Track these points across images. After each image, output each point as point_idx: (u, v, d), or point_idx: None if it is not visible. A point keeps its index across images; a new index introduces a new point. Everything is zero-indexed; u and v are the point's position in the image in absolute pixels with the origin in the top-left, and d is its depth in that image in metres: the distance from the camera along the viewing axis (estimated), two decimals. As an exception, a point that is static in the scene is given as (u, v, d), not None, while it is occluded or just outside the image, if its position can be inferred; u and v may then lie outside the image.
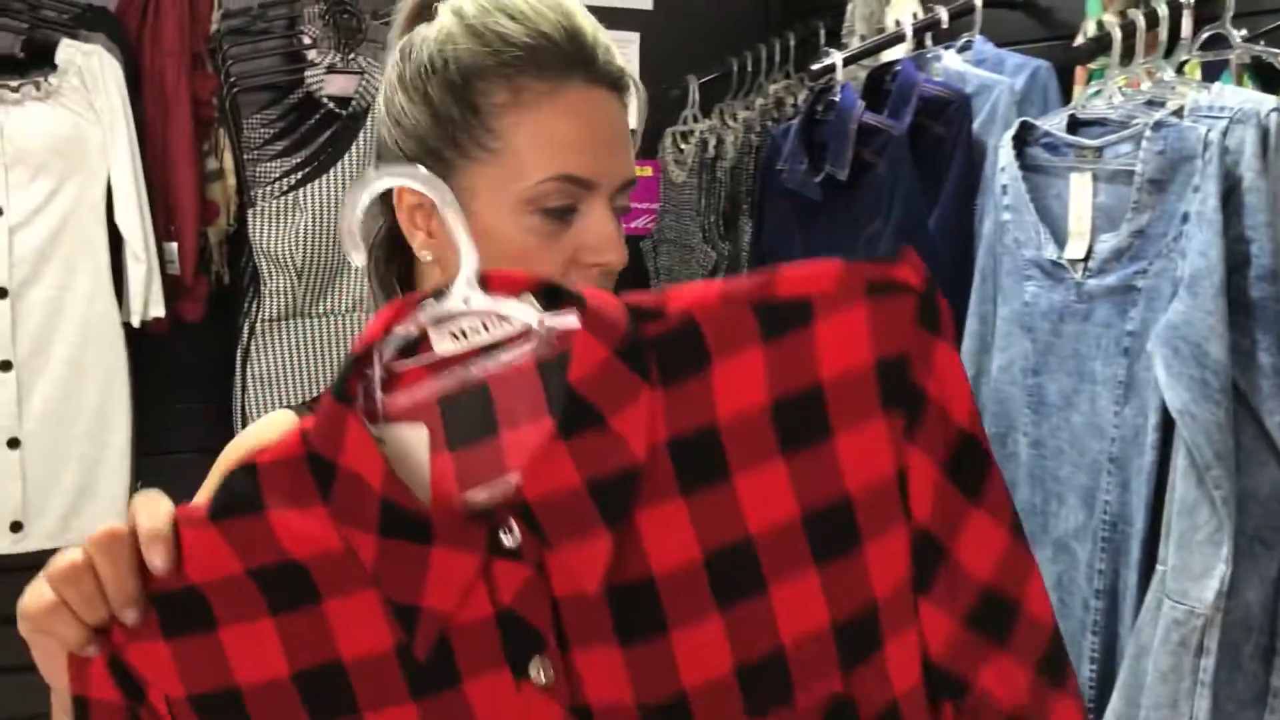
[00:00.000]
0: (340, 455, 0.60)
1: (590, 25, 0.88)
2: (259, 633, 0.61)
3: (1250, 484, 1.38)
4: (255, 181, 2.36)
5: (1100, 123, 1.57)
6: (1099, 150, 1.53)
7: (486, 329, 0.62)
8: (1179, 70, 1.74)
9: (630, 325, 0.61)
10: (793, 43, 2.55)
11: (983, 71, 1.99)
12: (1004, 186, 1.67)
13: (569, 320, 0.62)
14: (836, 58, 2.05)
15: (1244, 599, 1.39)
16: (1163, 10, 1.51)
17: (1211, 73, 1.72)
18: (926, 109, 1.94)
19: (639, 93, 0.92)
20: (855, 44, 2.21)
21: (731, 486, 0.62)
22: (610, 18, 1.02)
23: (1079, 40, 1.70)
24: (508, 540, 0.60)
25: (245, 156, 2.36)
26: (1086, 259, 1.54)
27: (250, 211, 2.35)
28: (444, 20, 0.87)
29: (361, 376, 0.61)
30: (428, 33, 0.88)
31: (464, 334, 0.62)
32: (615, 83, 0.88)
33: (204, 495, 0.63)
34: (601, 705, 0.62)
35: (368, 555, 0.60)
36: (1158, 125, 1.43)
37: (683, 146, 2.62)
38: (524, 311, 0.62)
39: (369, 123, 2.38)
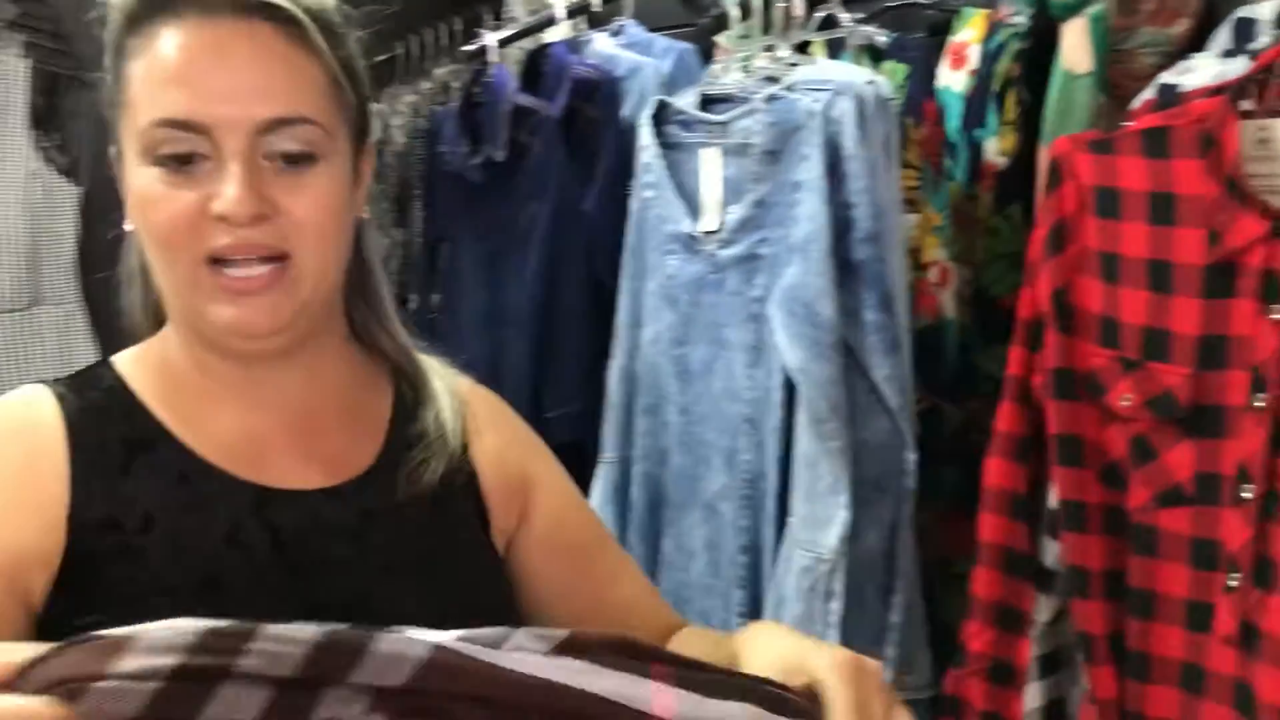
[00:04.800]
0: (1221, 133, 1.03)
1: None
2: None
3: (865, 435, 1.47)
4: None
5: (727, 99, 1.63)
6: (725, 125, 1.60)
7: None
8: (803, 50, 1.84)
9: None
10: (459, 27, 2.53)
11: (632, 54, 2.04)
12: (646, 164, 1.71)
13: None
14: (490, 39, 2.05)
15: (865, 543, 1.48)
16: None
17: (835, 53, 1.83)
18: (579, 91, 1.98)
19: (325, 20, 0.83)
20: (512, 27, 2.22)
21: None
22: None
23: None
24: None
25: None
26: (719, 230, 1.61)
27: None
28: None
29: (1262, 85, 1.04)
30: None
31: None
32: (255, 10, 0.79)
33: None
34: None
35: (1210, 197, 1.03)
36: (770, 99, 1.50)
37: (354, 133, 2.56)
38: None
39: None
